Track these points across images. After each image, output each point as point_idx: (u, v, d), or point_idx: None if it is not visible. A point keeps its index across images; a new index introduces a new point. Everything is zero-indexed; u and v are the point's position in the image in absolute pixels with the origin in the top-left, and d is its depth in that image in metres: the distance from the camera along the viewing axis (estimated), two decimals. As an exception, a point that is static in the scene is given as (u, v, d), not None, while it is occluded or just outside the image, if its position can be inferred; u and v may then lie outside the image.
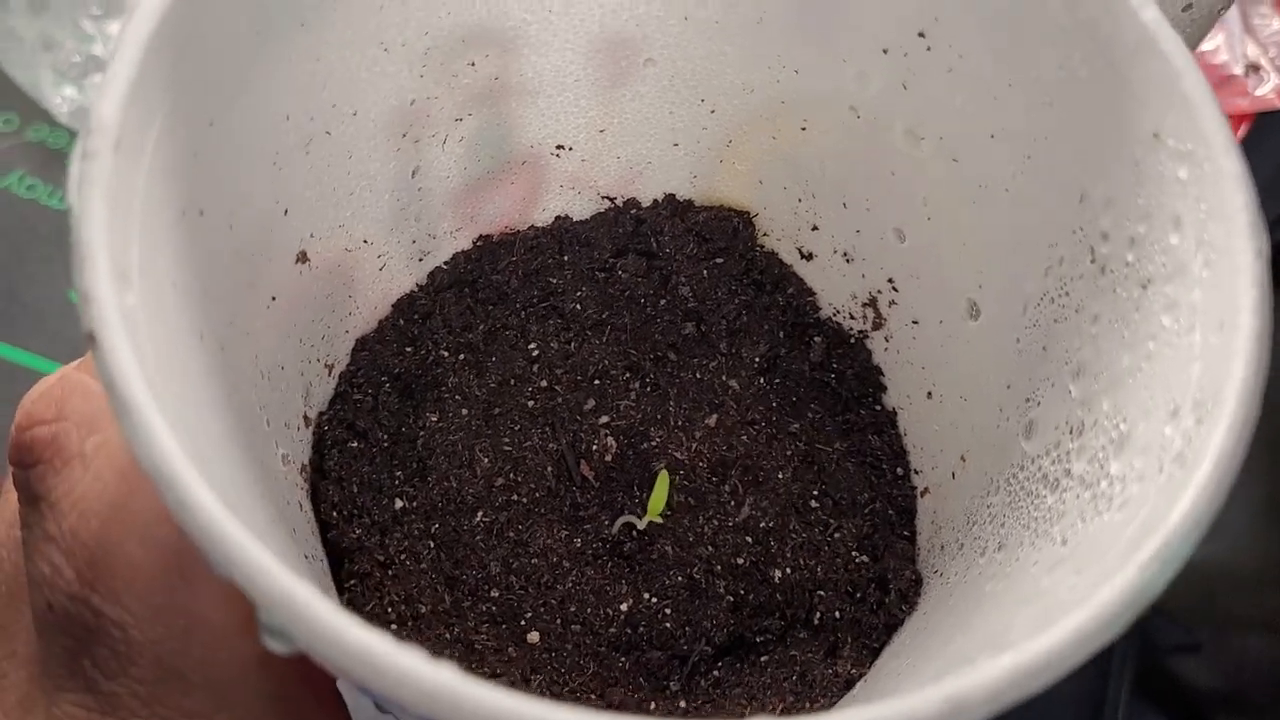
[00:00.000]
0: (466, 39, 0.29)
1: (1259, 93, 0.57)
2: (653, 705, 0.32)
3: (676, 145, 0.34)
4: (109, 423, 0.24)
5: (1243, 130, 0.57)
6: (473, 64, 0.30)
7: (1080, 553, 0.22)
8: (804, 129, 0.32)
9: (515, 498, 0.34)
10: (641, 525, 0.32)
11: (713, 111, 0.33)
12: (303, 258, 0.29)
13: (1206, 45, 0.56)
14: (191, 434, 0.17)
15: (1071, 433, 0.25)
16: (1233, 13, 0.57)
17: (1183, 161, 0.22)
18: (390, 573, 0.31)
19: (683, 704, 0.32)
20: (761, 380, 0.36)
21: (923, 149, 0.30)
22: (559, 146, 0.34)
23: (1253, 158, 0.23)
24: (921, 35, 0.28)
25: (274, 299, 0.28)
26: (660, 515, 0.32)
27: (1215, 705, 0.46)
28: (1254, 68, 0.56)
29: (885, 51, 0.29)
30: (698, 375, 0.36)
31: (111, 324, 0.16)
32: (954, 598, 0.28)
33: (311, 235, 0.29)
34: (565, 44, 0.30)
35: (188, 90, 0.20)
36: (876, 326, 0.35)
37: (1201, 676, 0.46)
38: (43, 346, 0.50)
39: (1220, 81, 0.57)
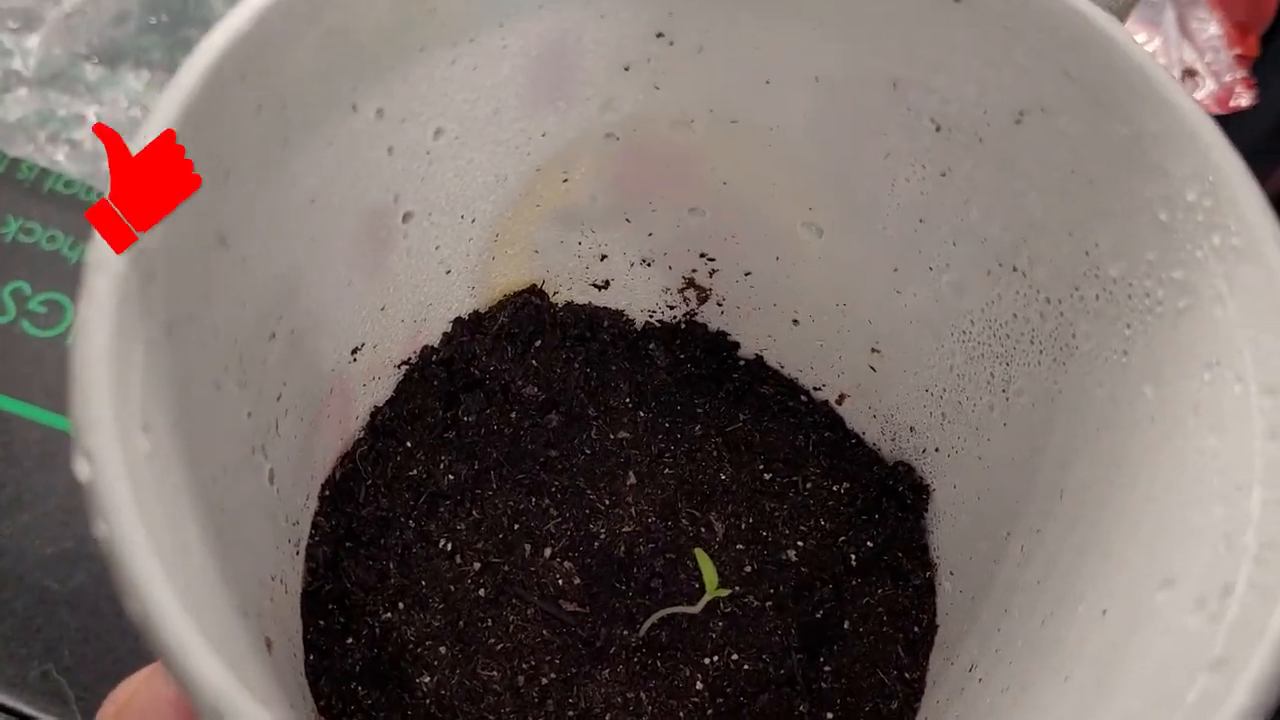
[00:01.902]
0: (260, 320, 0.24)
1: (1196, 97, 0.54)
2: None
3: (449, 272, 0.31)
4: None
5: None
6: (272, 335, 0.25)
7: (1150, 361, 0.24)
8: (566, 180, 0.31)
9: (545, 681, 0.31)
10: (699, 608, 0.31)
11: (474, 221, 0.30)
12: (269, 645, 0.24)
13: (1143, 49, 0.54)
14: None
15: (1015, 270, 0.27)
16: (1169, 16, 0.55)
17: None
18: None
19: (829, 716, 0.32)
20: (642, 414, 0.35)
21: (696, 130, 0.30)
22: (354, 351, 0.30)
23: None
24: (660, 35, 0.27)
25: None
26: (717, 590, 0.31)
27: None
28: (1190, 72, 0.53)
29: (627, 69, 0.28)
30: (588, 452, 0.35)
31: None
32: (996, 442, 0.30)
33: (271, 623, 0.24)
34: (333, 255, 0.27)
35: None
36: (702, 301, 0.36)
37: None
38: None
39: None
